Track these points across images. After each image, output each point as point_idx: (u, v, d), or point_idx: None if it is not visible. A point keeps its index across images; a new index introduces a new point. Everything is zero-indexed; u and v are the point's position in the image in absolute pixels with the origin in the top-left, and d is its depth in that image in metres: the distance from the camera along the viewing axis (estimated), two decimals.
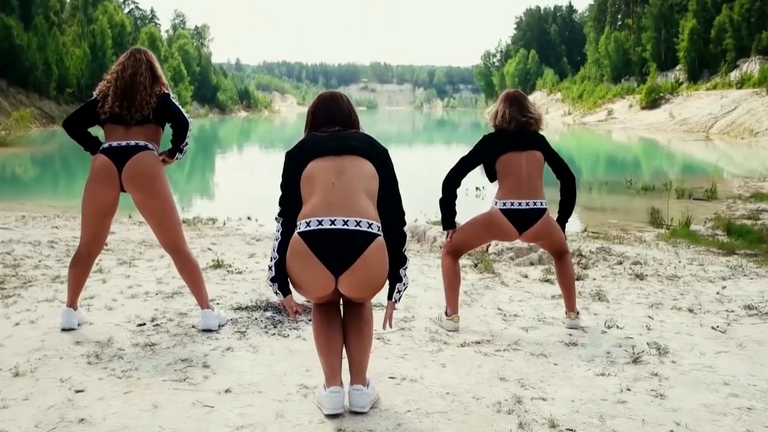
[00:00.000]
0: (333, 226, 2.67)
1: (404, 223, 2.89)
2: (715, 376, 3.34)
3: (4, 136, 34.05)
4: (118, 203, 3.91)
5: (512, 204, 4.01)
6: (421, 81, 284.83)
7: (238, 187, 18.63)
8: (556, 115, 74.53)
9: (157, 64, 3.97)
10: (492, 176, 4.13)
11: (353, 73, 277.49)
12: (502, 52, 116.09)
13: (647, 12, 71.53)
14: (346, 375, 2.85)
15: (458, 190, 4.18)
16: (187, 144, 4.03)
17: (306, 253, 2.68)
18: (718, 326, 4.23)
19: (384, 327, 2.91)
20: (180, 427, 2.61)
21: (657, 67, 66.43)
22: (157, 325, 3.97)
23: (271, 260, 2.82)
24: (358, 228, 2.68)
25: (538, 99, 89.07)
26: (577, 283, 5.28)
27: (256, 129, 64.18)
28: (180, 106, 3.95)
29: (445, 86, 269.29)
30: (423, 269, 5.96)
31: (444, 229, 4.24)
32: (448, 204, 4.13)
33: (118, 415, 2.72)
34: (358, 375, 2.80)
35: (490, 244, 7.26)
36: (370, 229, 2.71)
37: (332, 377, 2.76)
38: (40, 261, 6.03)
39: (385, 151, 2.93)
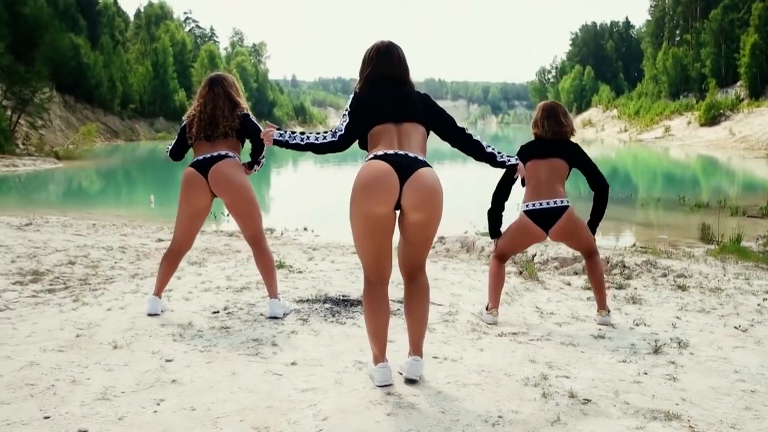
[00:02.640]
0: (400, 152, 3.12)
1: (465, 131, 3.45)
2: (727, 366, 3.69)
3: (72, 149, 35.78)
4: (211, 205, 4.48)
5: (533, 205, 4.48)
6: (475, 97, 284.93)
7: (294, 200, 19.28)
8: (612, 131, 73.79)
9: (233, 90, 4.48)
10: (523, 182, 4.58)
11: None
12: (557, 68, 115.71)
13: (707, 27, 70.27)
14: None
15: (506, 204, 4.62)
16: (264, 156, 4.61)
17: (380, 163, 3.07)
18: (740, 326, 4.55)
19: None
20: (256, 388, 3.11)
21: (717, 83, 65.14)
22: (230, 313, 4.50)
23: (294, 136, 3.33)
24: (416, 156, 3.13)
25: (593, 115, 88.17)
26: (617, 291, 5.62)
27: None
28: (257, 123, 4.50)
29: (500, 102, 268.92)
30: (469, 273, 6.39)
31: (491, 237, 4.76)
32: (493, 214, 4.64)
33: (204, 379, 3.24)
34: (418, 348, 3.27)
35: (534, 254, 7.62)
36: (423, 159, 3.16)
37: (381, 357, 3.22)
38: (115, 263, 6.65)
39: (432, 103, 3.38)
